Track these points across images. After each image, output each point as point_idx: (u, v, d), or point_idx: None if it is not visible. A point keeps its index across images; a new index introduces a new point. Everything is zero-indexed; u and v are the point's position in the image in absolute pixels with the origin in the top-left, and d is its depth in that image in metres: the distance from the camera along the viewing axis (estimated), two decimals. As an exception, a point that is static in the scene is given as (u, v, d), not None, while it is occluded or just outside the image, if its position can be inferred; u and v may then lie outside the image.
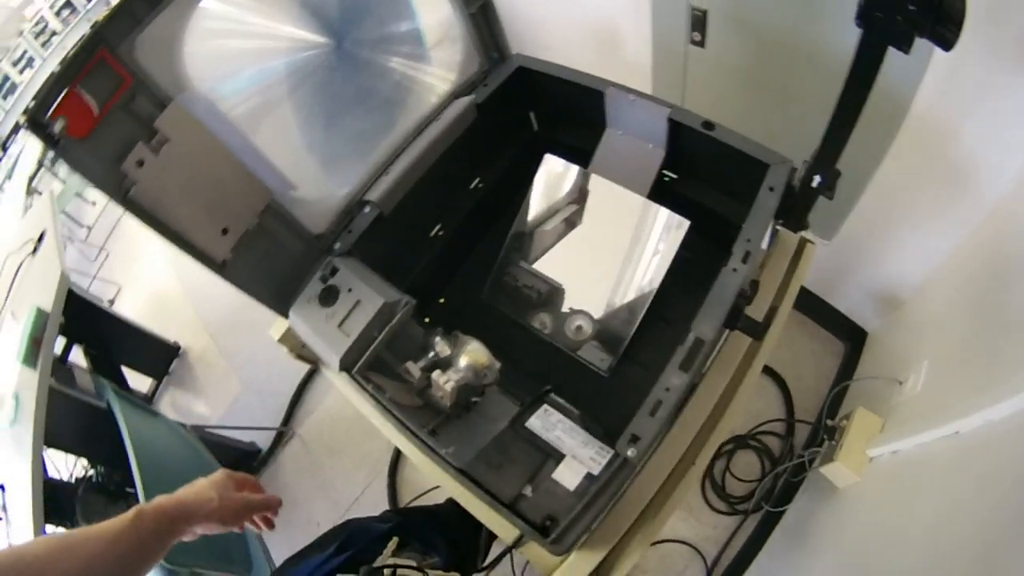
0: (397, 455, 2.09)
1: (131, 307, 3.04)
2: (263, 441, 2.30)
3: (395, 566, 0.87)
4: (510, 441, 1.02)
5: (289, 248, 1.17)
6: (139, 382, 2.67)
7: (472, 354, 1.12)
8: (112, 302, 3.17)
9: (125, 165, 0.92)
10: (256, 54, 1.08)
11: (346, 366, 1.08)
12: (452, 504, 1.82)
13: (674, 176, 1.33)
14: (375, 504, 2.06)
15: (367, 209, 1.22)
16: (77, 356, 2.33)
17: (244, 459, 2.26)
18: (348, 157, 1.23)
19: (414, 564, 0.90)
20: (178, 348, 2.77)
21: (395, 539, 0.92)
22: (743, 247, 1.05)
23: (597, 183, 1.34)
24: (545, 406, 1.04)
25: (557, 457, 1.00)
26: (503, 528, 1.15)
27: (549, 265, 1.43)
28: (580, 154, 1.36)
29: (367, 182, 1.25)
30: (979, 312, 1.28)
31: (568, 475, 1.00)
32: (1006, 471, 0.95)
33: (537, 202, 1.41)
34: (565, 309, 1.40)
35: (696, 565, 1.73)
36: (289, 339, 1.37)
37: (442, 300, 1.48)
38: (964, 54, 0.81)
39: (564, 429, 1.03)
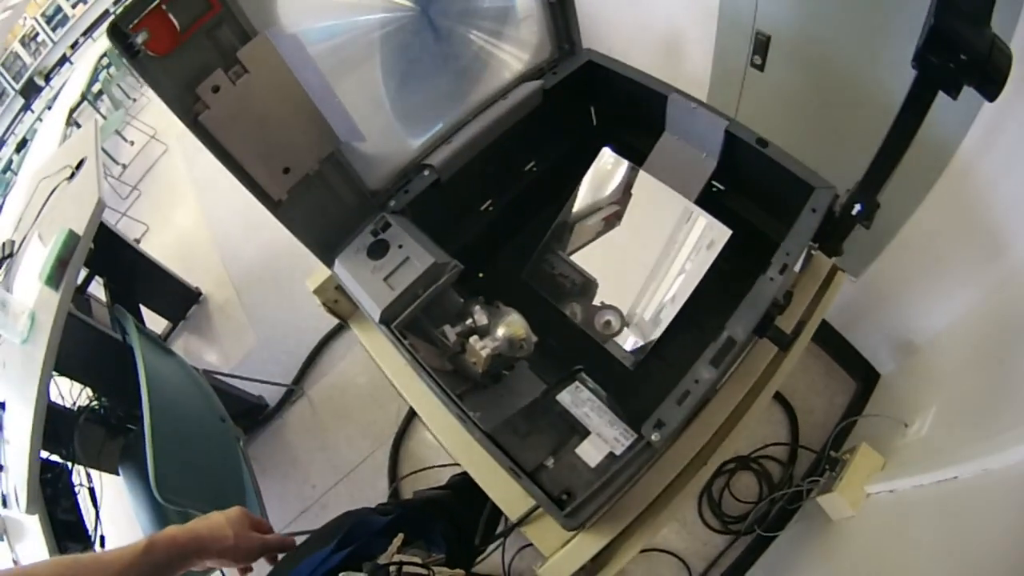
0: (404, 428, 2.09)
1: (157, 248, 3.02)
2: (271, 397, 2.31)
3: (400, 563, 0.86)
4: (539, 412, 1.02)
5: (344, 199, 1.18)
6: (154, 323, 2.67)
7: (511, 325, 1.13)
8: (139, 241, 3.17)
9: (200, 89, 0.93)
10: (347, 6, 1.09)
11: (387, 319, 1.08)
12: (455, 487, 1.82)
13: (720, 187, 1.35)
14: (373, 473, 2.07)
15: (426, 172, 1.23)
16: (96, 290, 2.31)
17: (251, 411, 2.26)
18: (415, 120, 1.25)
19: (419, 561, 0.89)
20: (199, 294, 2.77)
21: (400, 535, 0.90)
22: (781, 259, 1.07)
23: (646, 184, 1.36)
24: (577, 383, 1.05)
25: (582, 433, 1.01)
26: (511, 503, 1.16)
27: (586, 257, 1.44)
28: (635, 154, 1.38)
29: (429, 148, 1.26)
30: (989, 368, 1.29)
31: (591, 452, 1.01)
32: (1000, 519, 0.96)
33: (586, 193, 1.42)
34: (596, 302, 1.41)
35: None
36: (325, 291, 1.38)
37: (481, 274, 1.48)
38: (1010, 111, 0.84)
39: (593, 407, 1.04)
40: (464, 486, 1.69)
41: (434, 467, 1.98)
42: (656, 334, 1.32)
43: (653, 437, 0.96)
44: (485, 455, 1.04)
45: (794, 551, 1.63)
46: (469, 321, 1.18)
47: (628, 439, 1.02)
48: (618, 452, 1.00)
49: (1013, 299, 1.28)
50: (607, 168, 1.40)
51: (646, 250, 1.38)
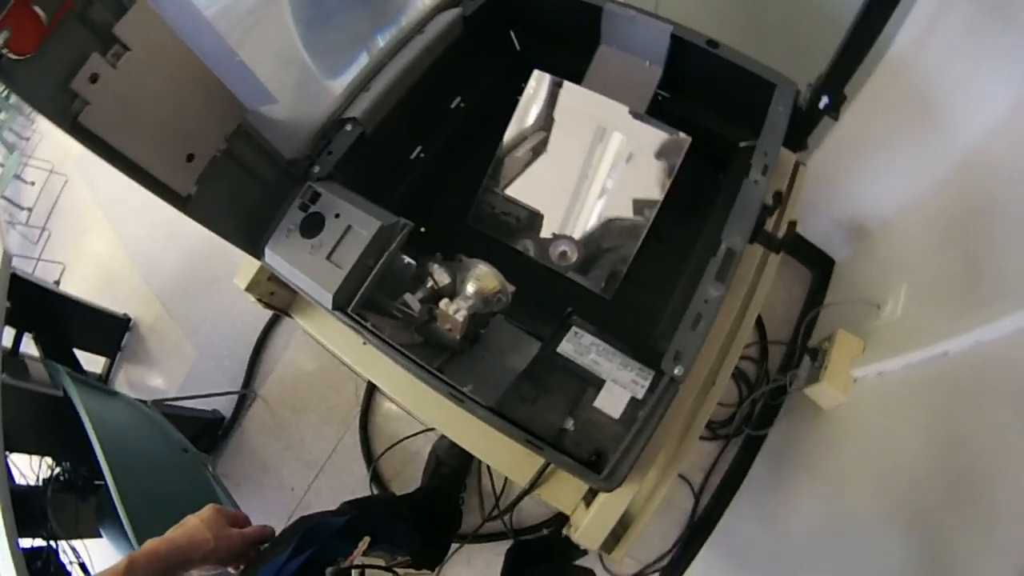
0: (367, 406, 1.90)
1: (78, 285, 2.65)
2: (226, 408, 2.06)
3: (363, 566, 0.80)
4: (543, 370, 0.86)
5: (261, 176, 0.95)
6: (93, 363, 2.36)
7: (481, 279, 0.95)
8: (58, 282, 2.79)
9: (75, 82, 0.69)
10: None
11: (340, 303, 0.88)
12: (432, 477, 1.69)
13: (666, 95, 1.20)
14: (348, 460, 1.88)
15: (348, 127, 1.01)
16: (28, 345, 2.02)
17: (209, 427, 2.00)
18: (329, 67, 1.02)
19: (383, 564, 0.83)
20: (128, 320, 2.45)
21: (367, 539, 0.82)
22: (761, 160, 0.96)
23: (587, 100, 1.18)
24: (574, 328, 0.89)
25: (596, 384, 0.85)
26: (518, 470, 1.03)
27: (528, 189, 1.27)
28: (571, 74, 1.20)
29: (345, 100, 1.03)
30: (957, 243, 1.25)
31: (611, 402, 0.85)
32: (999, 390, 0.92)
33: (521, 122, 1.24)
34: (547, 234, 1.25)
35: (683, 492, 1.65)
36: (258, 285, 1.16)
37: (423, 229, 1.25)
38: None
39: (599, 352, 0.88)
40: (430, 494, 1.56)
41: (408, 437, 1.81)
42: (629, 257, 1.18)
43: (676, 372, 0.84)
44: (484, 429, 0.88)
45: (789, 444, 1.57)
46: (430, 284, 0.99)
47: (647, 378, 0.87)
48: (640, 395, 0.86)
49: (974, 177, 1.25)
50: (541, 92, 1.21)
51: (596, 171, 1.22)
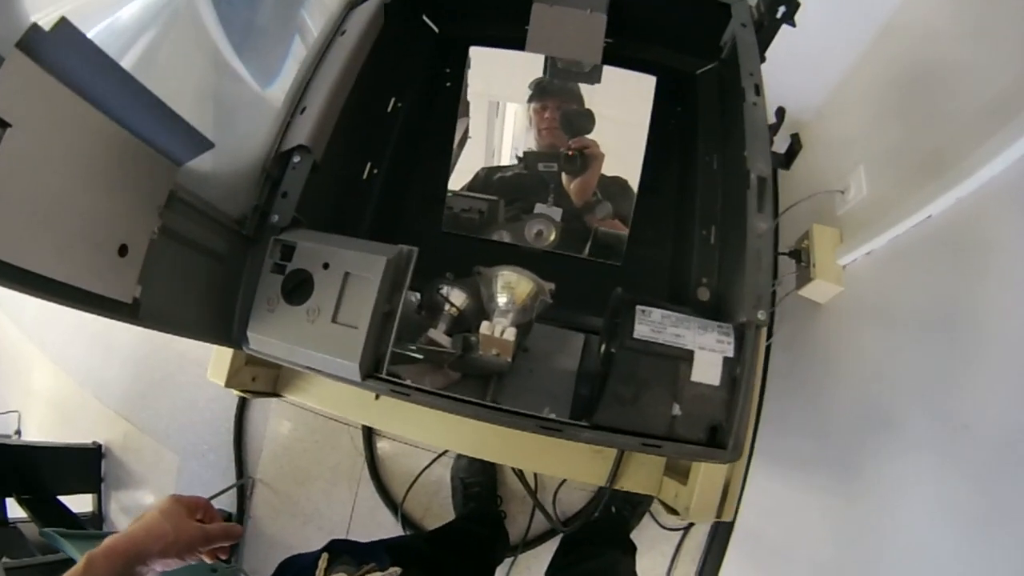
0: (370, 454, 1.63)
1: (39, 425, 2.22)
2: (228, 504, 1.71)
3: None
4: (630, 364, 0.65)
5: (211, 248, 0.67)
6: (83, 503, 1.95)
7: (513, 286, 0.72)
8: (19, 432, 2.28)
9: None
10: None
11: (369, 368, 0.63)
12: (465, 501, 1.45)
13: (610, 41, 1.00)
14: (373, 511, 1.60)
15: (296, 159, 0.73)
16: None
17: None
18: (261, 76, 0.74)
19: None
20: (100, 447, 2.01)
21: (325, 555, 0.74)
22: (749, 81, 0.81)
23: (536, 63, 0.97)
24: (639, 307, 0.69)
25: (686, 357, 0.66)
26: (570, 466, 0.89)
27: (492, 178, 1.03)
28: (505, 44, 0.98)
29: (277, 132, 0.76)
30: (898, 110, 1.18)
31: (707, 370, 0.66)
32: (993, 238, 0.86)
33: (470, 108, 0.99)
34: (520, 218, 1.02)
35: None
36: (237, 375, 0.89)
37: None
38: None
39: (673, 322, 0.68)
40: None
41: (425, 469, 1.57)
42: (628, 216, 0.98)
43: (760, 316, 0.67)
44: (512, 438, 0.71)
45: (798, 346, 1.45)
46: (449, 309, 0.76)
47: (728, 333, 0.69)
48: (731, 353, 0.68)
49: (896, 41, 1.19)
50: (485, 70, 0.98)
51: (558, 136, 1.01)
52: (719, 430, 0.66)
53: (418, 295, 0.78)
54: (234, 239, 0.71)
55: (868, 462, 1.10)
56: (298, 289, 0.66)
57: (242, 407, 1.79)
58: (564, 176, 1.01)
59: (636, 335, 0.67)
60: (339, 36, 0.82)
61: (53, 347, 2.25)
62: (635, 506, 1.41)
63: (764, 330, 0.73)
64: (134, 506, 1.97)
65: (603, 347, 0.82)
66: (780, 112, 0.84)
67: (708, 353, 0.68)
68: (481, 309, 0.76)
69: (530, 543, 1.46)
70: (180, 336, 0.65)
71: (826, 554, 1.14)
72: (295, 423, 1.73)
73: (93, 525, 1.88)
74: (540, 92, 1.01)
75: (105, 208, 0.53)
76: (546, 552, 1.47)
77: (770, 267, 0.71)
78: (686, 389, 0.67)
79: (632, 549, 1.29)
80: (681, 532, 1.46)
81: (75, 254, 0.51)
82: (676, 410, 0.66)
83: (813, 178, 1.46)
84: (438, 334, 0.72)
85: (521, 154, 1.03)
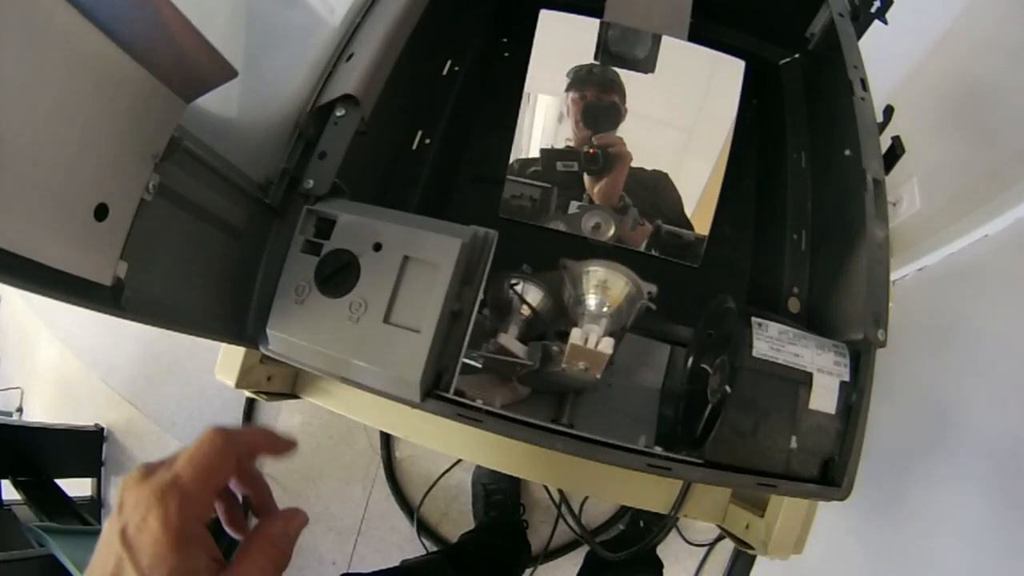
0: (388, 454, 1.41)
1: (41, 405, 1.95)
2: (231, 499, 1.49)
3: None
4: (751, 388, 0.45)
5: (224, 218, 0.46)
6: (81, 486, 1.70)
7: (608, 286, 0.52)
8: (20, 409, 2.02)
9: None
10: None
11: (430, 384, 0.42)
12: (486, 509, 1.25)
13: (693, 21, 0.81)
14: (386, 515, 1.39)
15: (340, 112, 0.51)
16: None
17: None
18: (285, 43, 0.52)
19: None
20: (102, 430, 1.77)
21: None
22: (855, 76, 0.64)
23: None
24: (755, 320, 0.49)
25: (806, 382, 0.47)
26: (655, 499, 0.71)
27: (552, 161, 0.80)
28: (579, 10, 0.77)
29: (317, 81, 0.55)
30: (956, 128, 1.05)
31: (825, 396, 0.46)
32: None
33: (538, 80, 0.78)
34: (574, 209, 0.82)
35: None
36: (250, 375, 0.68)
37: None
38: None
39: (791, 339, 0.48)
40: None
41: (445, 472, 1.36)
42: (709, 216, 0.78)
43: (880, 335, 0.50)
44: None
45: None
46: (525, 312, 0.56)
47: (844, 354, 0.49)
48: (847, 376, 0.49)
49: (953, 54, 1.07)
50: (557, 37, 0.78)
51: (637, 122, 0.81)
52: (832, 464, 0.49)
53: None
54: (255, 209, 0.50)
55: (912, 487, 0.94)
56: (337, 276, 0.45)
57: (252, 398, 1.56)
58: (586, 177, 0.80)
59: (756, 353, 0.47)
60: (395, -24, 0.60)
61: (59, 325, 2.00)
62: (663, 519, 1.22)
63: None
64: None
65: (690, 361, 0.63)
66: (888, 111, 0.66)
67: (826, 376, 0.50)
68: (560, 311, 0.55)
69: (551, 554, 1.26)
70: (179, 332, 0.44)
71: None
72: (308, 417, 1.51)
73: (90, 510, 1.65)
74: (580, 81, 0.81)
75: (74, 150, 0.32)
76: (567, 563, 1.27)
77: (888, 280, 0.53)
78: (804, 419, 0.48)
79: (660, 566, 1.11)
80: (707, 548, 1.27)
81: (25, 212, 0.29)
82: (793, 443, 0.46)
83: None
84: (510, 340, 0.51)
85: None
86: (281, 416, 1.54)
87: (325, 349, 0.43)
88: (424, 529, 1.33)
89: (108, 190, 0.35)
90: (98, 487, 1.74)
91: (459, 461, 1.35)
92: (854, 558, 1.02)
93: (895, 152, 0.82)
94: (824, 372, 0.49)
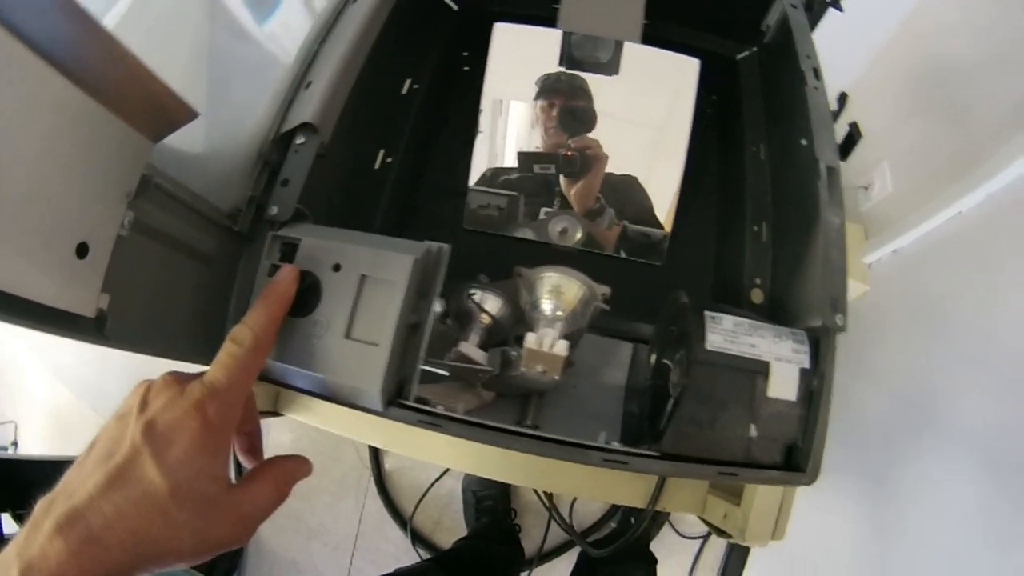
0: (377, 465, 1.46)
1: (36, 436, 2.01)
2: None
3: None
4: (706, 380, 0.50)
5: (196, 248, 0.51)
6: None
7: (561, 291, 0.57)
8: (16, 444, 2.07)
9: None
10: None
11: (392, 393, 0.47)
12: (477, 516, 1.30)
13: (645, 22, 0.85)
14: (380, 526, 1.44)
15: (300, 139, 0.56)
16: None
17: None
18: (252, 58, 0.58)
19: None
20: None
21: None
22: (807, 64, 0.68)
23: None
24: (707, 313, 0.54)
25: (762, 371, 0.52)
26: (631, 494, 0.75)
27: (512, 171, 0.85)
28: (531, 22, 0.82)
29: (277, 112, 0.60)
30: (923, 109, 1.09)
31: (784, 384, 0.51)
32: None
33: (495, 92, 0.82)
34: (541, 216, 0.86)
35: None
36: None
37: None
38: None
39: (746, 330, 0.53)
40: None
41: (435, 481, 1.41)
42: (670, 214, 0.83)
43: (838, 321, 0.53)
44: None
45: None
46: (482, 318, 0.61)
47: (803, 341, 0.54)
48: (807, 363, 0.54)
49: (914, 42, 1.12)
50: (513, 49, 0.83)
51: (608, 124, 0.85)
52: (796, 451, 0.53)
53: (441, 302, 0.62)
54: (225, 237, 0.55)
55: (904, 470, 0.99)
56: (301, 297, 0.49)
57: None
58: (563, 180, 0.85)
59: (709, 346, 0.52)
60: (350, 4, 0.65)
61: (49, 355, 2.05)
62: (655, 515, 1.27)
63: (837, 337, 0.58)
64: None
65: (653, 358, 0.67)
66: (843, 98, 0.71)
67: (785, 364, 0.54)
68: (519, 317, 0.60)
69: (545, 556, 1.31)
70: (157, 357, 0.49)
71: (854, 563, 1.02)
72: (297, 435, 1.56)
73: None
74: (548, 88, 0.85)
75: (56, 193, 0.37)
76: (561, 564, 1.32)
77: (845, 266, 0.57)
78: (763, 407, 0.53)
79: (653, 562, 1.15)
80: (701, 540, 1.32)
81: (14, 252, 0.34)
82: (753, 431, 0.51)
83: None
84: (471, 348, 0.56)
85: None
86: (271, 435, 1.59)
87: (293, 367, 0.48)
88: (419, 539, 1.38)
89: (88, 229, 0.40)
90: (93, 515, 1.79)
91: (448, 470, 1.40)
92: (846, 542, 1.06)
93: (853, 138, 0.87)
94: (782, 360, 0.54)
